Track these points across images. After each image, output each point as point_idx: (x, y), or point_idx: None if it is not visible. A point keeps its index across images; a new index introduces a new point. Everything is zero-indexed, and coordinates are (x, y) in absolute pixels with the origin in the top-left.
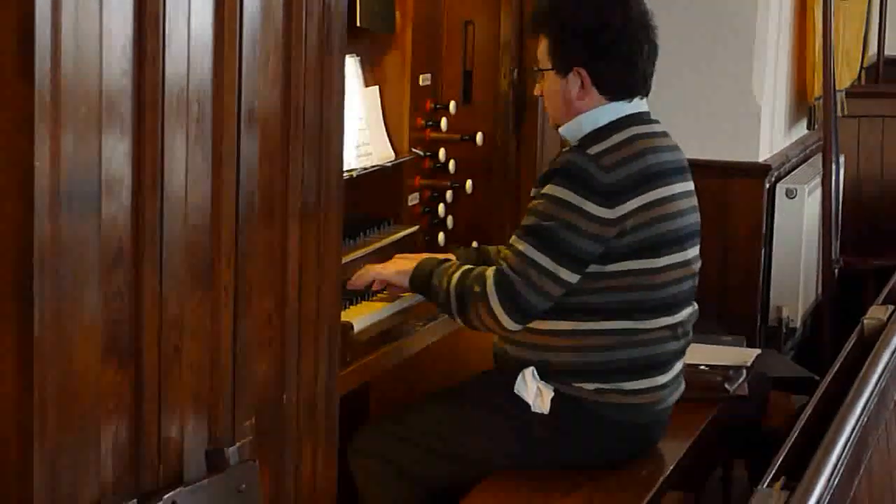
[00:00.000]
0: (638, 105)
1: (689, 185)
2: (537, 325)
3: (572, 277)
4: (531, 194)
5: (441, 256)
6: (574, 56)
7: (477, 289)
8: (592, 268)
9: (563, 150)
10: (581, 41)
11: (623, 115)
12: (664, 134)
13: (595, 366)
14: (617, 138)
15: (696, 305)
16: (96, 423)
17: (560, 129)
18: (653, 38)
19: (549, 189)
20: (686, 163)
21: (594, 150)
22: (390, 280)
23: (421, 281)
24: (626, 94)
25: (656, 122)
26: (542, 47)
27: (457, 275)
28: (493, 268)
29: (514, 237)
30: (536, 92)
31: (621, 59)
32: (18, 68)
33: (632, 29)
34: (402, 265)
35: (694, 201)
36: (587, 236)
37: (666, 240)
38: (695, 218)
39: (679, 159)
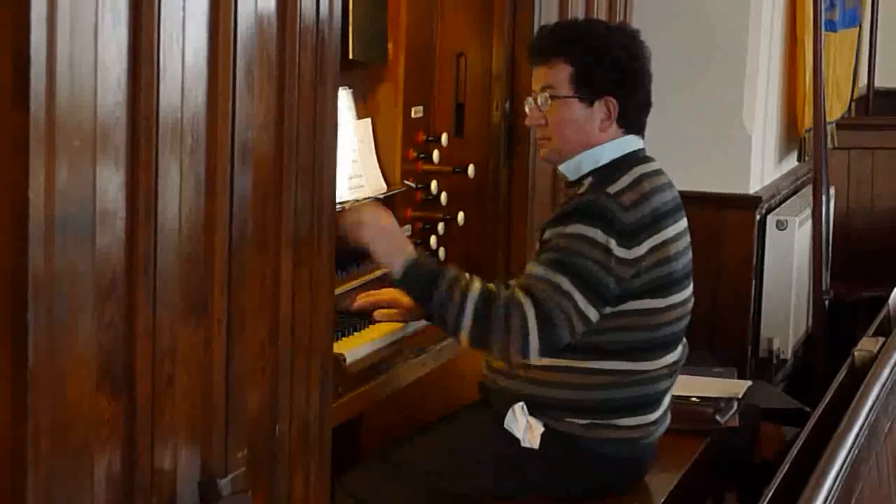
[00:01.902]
0: (638, 142)
1: (685, 223)
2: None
3: (595, 317)
4: (544, 237)
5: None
6: (606, 85)
7: (518, 296)
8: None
9: (578, 193)
10: (615, 71)
11: (624, 153)
12: (662, 171)
13: (590, 403)
14: (626, 179)
15: (685, 342)
16: (90, 452)
17: (560, 166)
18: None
19: (575, 228)
20: (680, 199)
21: (612, 189)
22: (377, 259)
23: (420, 278)
24: (640, 128)
25: (653, 159)
26: (563, 73)
27: (477, 288)
28: (527, 297)
29: (543, 270)
30: (534, 122)
31: (644, 93)
32: (13, 99)
33: (648, 65)
34: (396, 244)
35: (688, 239)
36: (612, 275)
37: (670, 280)
38: (689, 256)
39: (676, 196)
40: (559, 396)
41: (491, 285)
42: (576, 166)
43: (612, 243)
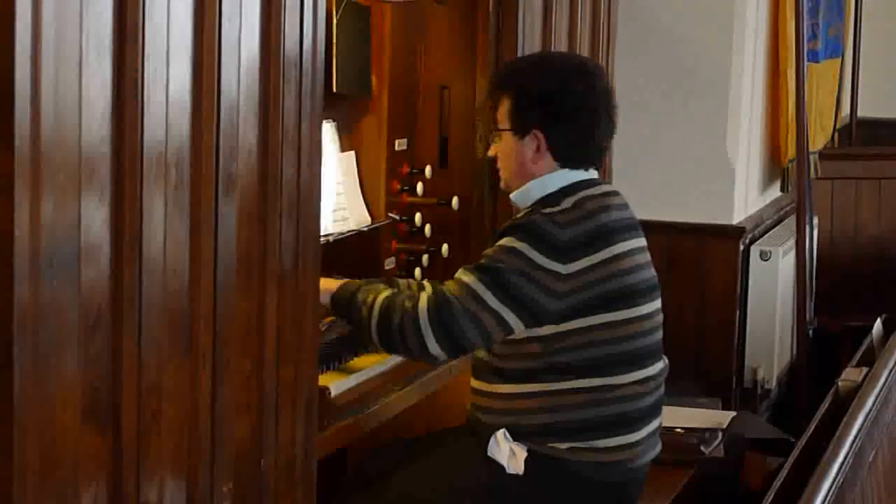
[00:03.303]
0: (586, 174)
1: (643, 241)
2: (506, 388)
3: (517, 324)
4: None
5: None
6: (533, 118)
7: (408, 304)
8: (553, 328)
9: (517, 216)
10: (541, 104)
11: (572, 181)
12: (614, 193)
13: (567, 424)
14: (568, 202)
15: (665, 360)
16: (75, 487)
17: (511, 196)
18: (612, 115)
19: (503, 241)
20: (636, 220)
21: (548, 210)
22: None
23: (345, 299)
24: (580, 163)
25: (606, 182)
26: (504, 108)
27: (385, 293)
28: (429, 301)
29: (461, 271)
30: (491, 153)
31: (579, 127)
32: None
33: (593, 100)
34: (325, 284)
35: (648, 256)
36: (536, 285)
37: (626, 293)
38: (651, 272)
39: (631, 216)
40: (536, 422)
41: (394, 293)
42: (524, 195)
43: (540, 256)
